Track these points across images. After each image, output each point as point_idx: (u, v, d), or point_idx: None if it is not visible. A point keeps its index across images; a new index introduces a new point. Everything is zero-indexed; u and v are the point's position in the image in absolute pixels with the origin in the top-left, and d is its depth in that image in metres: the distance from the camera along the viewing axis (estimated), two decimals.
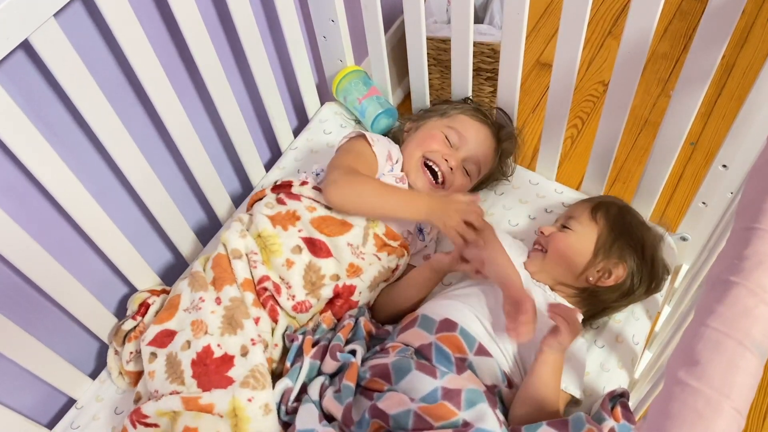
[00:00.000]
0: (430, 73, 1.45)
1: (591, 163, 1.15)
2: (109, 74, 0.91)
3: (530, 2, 1.00)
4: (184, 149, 1.03)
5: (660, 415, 0.41)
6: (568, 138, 1.62)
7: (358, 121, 1.33)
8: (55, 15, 0.75)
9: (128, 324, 0.96)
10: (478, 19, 1.54)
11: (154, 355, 0.89)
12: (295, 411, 0.84)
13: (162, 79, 0.93)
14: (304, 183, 1.04)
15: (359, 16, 1.21)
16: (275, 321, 0.93)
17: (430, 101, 1.30)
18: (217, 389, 0.84)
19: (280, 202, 1.02)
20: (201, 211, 1.21)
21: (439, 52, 1.48)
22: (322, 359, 0.88)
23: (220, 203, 1.17)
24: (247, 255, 0.95)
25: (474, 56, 1.33)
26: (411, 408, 0.76)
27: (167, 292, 1.02)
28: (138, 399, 0.92)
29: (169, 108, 0.97)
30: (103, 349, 1.04)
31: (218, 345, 0.87)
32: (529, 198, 1.20)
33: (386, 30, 1.46)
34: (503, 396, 0.86)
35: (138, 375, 0.96)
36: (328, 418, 0.82)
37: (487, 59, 1.45)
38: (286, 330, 0.94)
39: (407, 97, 1.66)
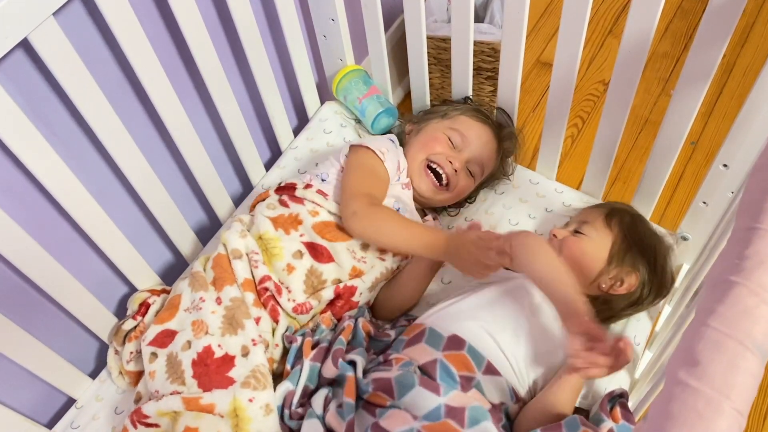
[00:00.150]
0: (430, 72, 1.45)
1: (591, 162, 1.15)
2: (109, 74, 0.91)
3: (531, 1, 0.99)
4: (184, 149, 1.03)
5: (660, 416, 0.41)
6: (568, 137, 1.62)
7: (358, 121, 1.33)
8: (55, 14, 0.75)
9: (128, 324, 0.96)
10: (479, 18, 1.54)
11: (154, 355, 0.89)
12: (299, 416, 0.84)
13: (162, 79, 0.93)
14: (308, 186, 1.03)
15: (359, 15, 1.21)
16: (276, 321, 0.93)
17: (430, 101, 1.30)
18: (218, 389, 0.84)
19: (282, 203, 1.02)
20: (201, 210, 1.21)
21: (440, 51, 1.48)
22: (322, 362, 0.88)
23: (220, 203, 1.17)
24: (247, 255, 0.95)
25: (474, 55, 1.33)
26: (414, 427, 0.74)
27: (167, 292, 1.02)
28: (138, 399, 0.92)
29: (169, 107, 0.97)
30: (103, 348, 1.04)
31: (219, 345, 0.87)
32: (529, 197, 1.20)
33: (386, 29, 1.46)
34: (509, 411, 0.85)
35: (138, 375, 0.96)
36: None
37: (487, 58, 1.45)
38: (286, 330, 0.94)
39: (407, 96, 1.66)
